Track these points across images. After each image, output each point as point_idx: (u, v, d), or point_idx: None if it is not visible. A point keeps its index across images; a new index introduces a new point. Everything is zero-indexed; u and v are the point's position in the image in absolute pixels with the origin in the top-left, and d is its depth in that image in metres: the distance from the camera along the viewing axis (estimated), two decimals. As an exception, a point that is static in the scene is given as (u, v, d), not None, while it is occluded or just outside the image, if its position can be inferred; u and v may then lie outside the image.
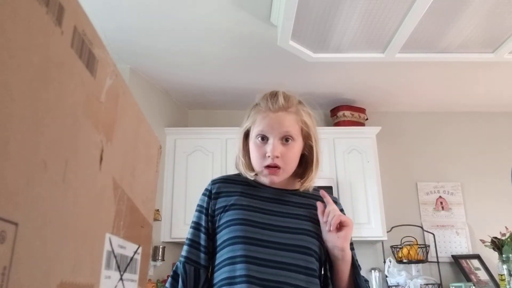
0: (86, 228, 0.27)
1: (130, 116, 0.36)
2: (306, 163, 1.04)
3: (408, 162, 3.43)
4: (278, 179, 0.99)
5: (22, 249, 0.19)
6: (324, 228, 0.94)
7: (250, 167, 1.02)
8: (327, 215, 0.93)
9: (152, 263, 2.72)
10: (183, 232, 2.93)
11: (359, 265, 1.01)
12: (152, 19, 2.24)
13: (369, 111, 3.45)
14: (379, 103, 3.42)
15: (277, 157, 0.96)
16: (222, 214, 0.98)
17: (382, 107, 3.51)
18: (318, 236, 0.96)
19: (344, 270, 0.93)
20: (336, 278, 0.96)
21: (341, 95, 3.25)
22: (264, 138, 0.98)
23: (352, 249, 1.01)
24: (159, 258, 2.72)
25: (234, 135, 3.45)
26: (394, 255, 3.02)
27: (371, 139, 3.16)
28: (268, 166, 0.97)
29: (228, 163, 3.03)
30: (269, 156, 0.96)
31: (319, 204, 0.97)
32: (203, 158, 3.06)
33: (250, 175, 1.02)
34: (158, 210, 2.84)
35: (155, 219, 2.79)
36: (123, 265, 0.35)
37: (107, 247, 0.31)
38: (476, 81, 3.01)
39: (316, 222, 0.97)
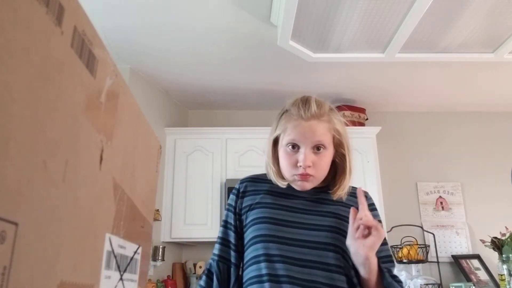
0: (86, 228, 0.27)
1: (130, 116, 0.36)
2: (336, 170, 1.02)
3: (408, 162, 3.43)
4: (309, 186, 0.97)
5: (22, 249, 0.19)
6: (351, 233, 0.87)
7: (281, 175, 1.01)
8: (358, 220, 0.86)
9: (152, 263, 2.72)
10: (183, 232, 2.94)
11: (391, 265, 0.96)
12: (152, 19, 2.24)
13: (369, 111, 3.45)
14: (379, 103, 3.42)
15: (309, 166, 0.94)
16: (248, 212, 1.00)
17: (382, 107, 3.51)
18: (346, 233, 0.93)
19: (370, 278, 0.87)
20: (363, 287, 0.91)
21: (341, 95, 3.25)
22: (295, 147, 0.96)
23: (384, 244, 0.97)
24: (159, 258, 2.72)
25: (234, 135, 3.44)
26: (394, 255, 3.02)
27: (371, 139, 3.16)
28: (300, 175, 0.95)
29: (228, 163, 3.03)
30: (300, 166, 0.94)
31: (352, 210, 0.90)
32: (203, 158, 3.06)
33: (282, 184, 1.00)
34: (158, 210, 2.84)
35: (155, 219, 2.79)
36: (123, 265, 0.35)
37: (107, 247, 0.31)
38: (476, 81, 3.01)
39: (345, 219, 0.95)
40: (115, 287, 0.33)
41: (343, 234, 0.93)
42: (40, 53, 0.21)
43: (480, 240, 2.81)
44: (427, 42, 2.34)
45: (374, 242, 0.84)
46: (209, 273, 1.00)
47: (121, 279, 0.34)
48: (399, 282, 0.94)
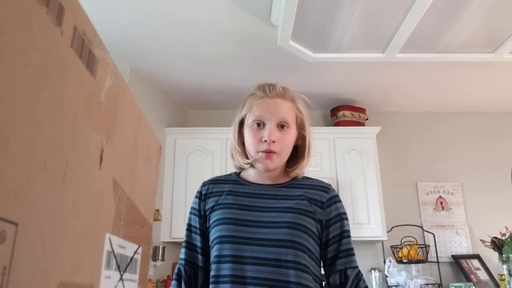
0: (86, 228, 0.27)
1: (130, 116, 0.36)
2: (297, 154, 1.05)
3: (408, 162, 3.42)
4: (272, 165, 0.98)
5: (22, 249, 0.19)
6: None
7: (245, 155, 1.03)
8: None
9: (152, 263, 2.72)
10: (183, 232, 2.93)
11: (350, 259, 0.97)
12: (152, 19, 2.24)
13: (369, 111, 3.45)
14: (379, 103, 3.42)
15: (274, 142, 0.96)
16: (211, 214, 1.01)
17: (382, 107, 3.50)
18: (306, 228, 0.94)
19: None
20: None
21: (341, 95, 3.25)
22: (261, 124, 0.99)
23: (345, 237, 0.98)
24: (159, 258, 2.72)
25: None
26: (394, 255, 3.02)
27: (371, 139, 3.16)
28: (263, 151, 0.97)
29: (228, 163, 3.02)
30: (265, 141, 0.96)
31: None
32: (203, 158, 3.06)
33: (244, 163, 1.02)
34: (158, 210, 2.84)
35: (155, 219, 2.78)
36: (123, 265, 0.35)
37: (107, 247, 0.31)
38: (476, 81, 3.01)
39: (304, 213, 0.96)
40: (115, 287, 0.33)
41: (303, 229, 0.94)
42: (40, 53, 0.21)
43: (480, 240, 2.81)
44: (427, 42, 2.34)
45: None
46: (178, 278, 1.01)
47: (121, 279, 0.34)
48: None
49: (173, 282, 1.01)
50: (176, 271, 1.03)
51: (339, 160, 3.07)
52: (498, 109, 3.53)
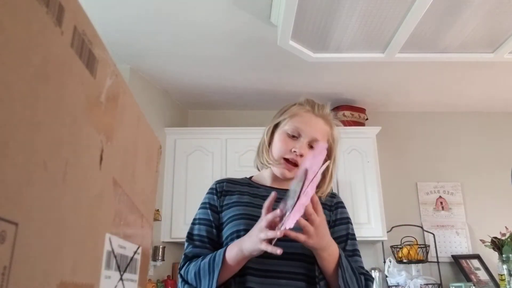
0: (86, 228, 0.27)
1: (130, 116, 0.36)
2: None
3: (408, 162, 3.42)
4: (290, 175, 1.01)
5: (22, 249, 0.19)
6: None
7: (269, 155, 1.06)
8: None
9: (152, 263, 2.72)
10: (184, 232, 2.91)
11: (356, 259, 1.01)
12: (152, 19, 2.24)
13: (369, 111, 3.45)
14: (379, 103, 3.42)
15: (301, 156, 0.99)
16: (226, 211, 1.01)
17: (382, 107, 3.50)
18: None
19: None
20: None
21: (341, 95, 3.25)
22: (295, 135, 1.02)
23: (351, 238, 1.03)
24: (159, 258, 2.72)
25: (234, 135, 3.43)
26: (394, 255, 3.02)
27: (371, 139, 3.16)
28: (287, 160, 1.00)
29: (228, 163, 3.03)
30: (294, 152, 0.99)
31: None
32: (203, 158, 3.06)
33: (267, 161, 1.05)
34: (158, 210, 2.84)
35: (155, 219, 2.78)
36: (123, 265, 0.35)
37: (107, 247, 0.31)
38: (476, 81, 3.01)
39: None
40: (115, 287, 0.33)
41: None
42: (40, 53, 0.21)
43: (480, 240, 2.81)
44: (427, 42, 2.34)
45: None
46: (192, 257, 0.99)
47: (121, 279, 0.34)
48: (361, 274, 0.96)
49: (189, 263, 0.98)
50: (182, 262, 1.00)
51: (339, 160, 3.06)
52: (498, 109, 3.53)
